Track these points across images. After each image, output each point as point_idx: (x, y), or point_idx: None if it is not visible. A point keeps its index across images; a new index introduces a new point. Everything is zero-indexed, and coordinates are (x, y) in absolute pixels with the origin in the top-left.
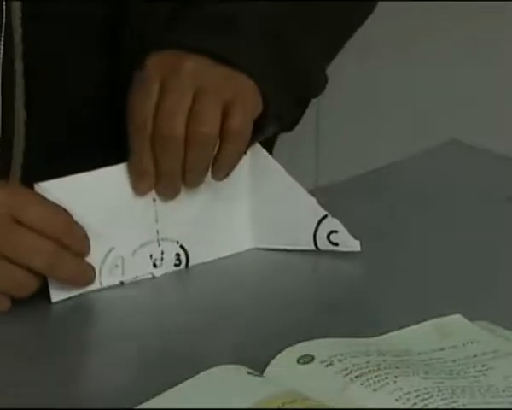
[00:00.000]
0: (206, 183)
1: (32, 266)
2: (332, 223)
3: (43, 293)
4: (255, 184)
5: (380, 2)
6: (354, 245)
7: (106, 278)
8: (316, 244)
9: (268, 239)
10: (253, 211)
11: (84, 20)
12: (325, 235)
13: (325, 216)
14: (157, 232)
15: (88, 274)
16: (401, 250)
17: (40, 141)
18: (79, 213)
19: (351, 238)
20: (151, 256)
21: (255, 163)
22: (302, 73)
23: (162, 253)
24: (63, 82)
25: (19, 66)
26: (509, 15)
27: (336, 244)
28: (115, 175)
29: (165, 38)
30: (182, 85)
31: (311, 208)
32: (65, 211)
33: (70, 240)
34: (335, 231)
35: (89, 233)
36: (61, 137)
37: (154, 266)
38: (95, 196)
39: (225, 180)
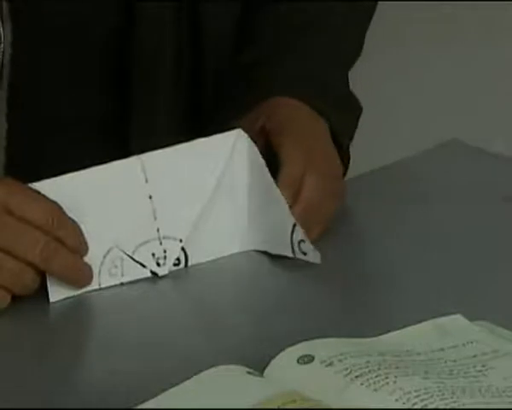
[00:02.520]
0: (203, 184)
1: (27, 256)
2: (300, 232)
3: (42, 293)
4: (251, 188)
5: (381, 2)
6: (315, 257)
7: (105, 278)
8: (293, 251)
9: (257, 243)
10: (249, 213)
11: (84, 41)
12: (297, 243)
13: (294, 225)
14: (157, 230)
15: (85, 273)
16: (401, 250)
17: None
18: (75, 213)
19: (313, 250)
20: (153, 255)
21: (252, 167)
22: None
23: (165, 251)
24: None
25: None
26: (509, 15)
27: (305, 254)
28: (109, 173)
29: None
30: None
31: (285, 216)
32: (57, 205)
33: (62, 233)
34: (303, 241)
35: (86, 234)
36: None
37: (158, 264)
38: (89, 196)
39: (224, 182)
